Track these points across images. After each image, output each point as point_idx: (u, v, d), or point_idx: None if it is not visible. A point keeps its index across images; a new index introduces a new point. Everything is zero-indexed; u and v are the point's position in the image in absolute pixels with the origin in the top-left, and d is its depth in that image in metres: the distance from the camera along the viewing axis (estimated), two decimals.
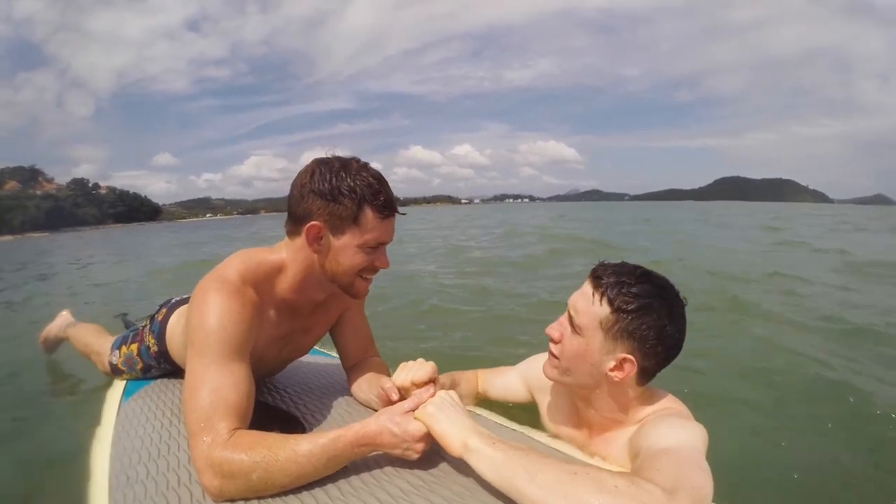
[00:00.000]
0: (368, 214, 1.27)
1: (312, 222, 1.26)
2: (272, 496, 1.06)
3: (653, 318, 1.15)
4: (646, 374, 1.23)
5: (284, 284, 1.37)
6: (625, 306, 1.15)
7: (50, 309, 3.94)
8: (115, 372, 1.99)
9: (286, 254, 1.36)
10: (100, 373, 2.16)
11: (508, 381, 1.70)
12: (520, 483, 0.95)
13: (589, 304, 1.19)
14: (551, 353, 1.29)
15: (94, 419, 1.60)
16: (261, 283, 1.31)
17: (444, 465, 1.20)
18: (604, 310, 1.17)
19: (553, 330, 1.28)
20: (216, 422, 1.07)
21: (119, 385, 1.88)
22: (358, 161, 1.30)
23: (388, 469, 1.19)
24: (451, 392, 1.25)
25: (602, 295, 1.17)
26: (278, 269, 1.36)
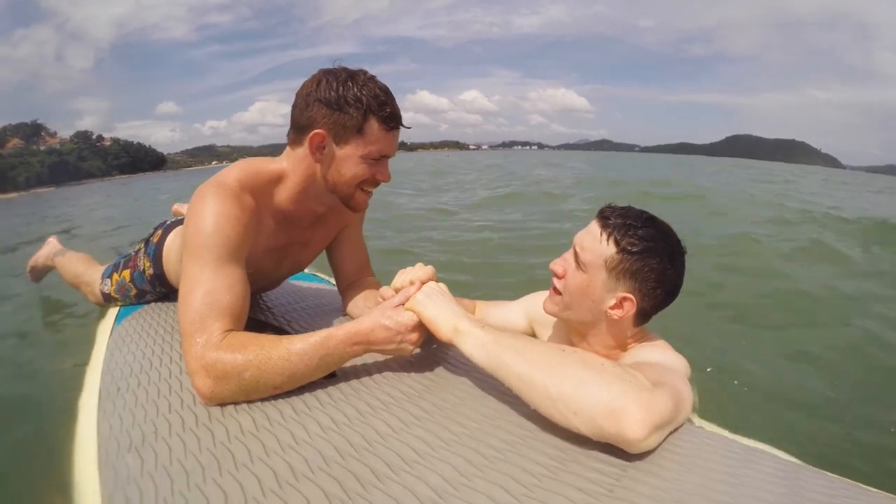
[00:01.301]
0: (374, 125, 1.26)
1: (316, 130, 1.25)
2: (263, 399, 1.07)
3: (655, 260, 1.18)
4: (643, 315, 1.25)
5: (284, 194, 1.36)
6: (630, 247, 1.18)
7: None
8: (108, 300, 1.99)
9: (287, 163, 1.35)
10: (91, 304, 2.17)
11: (509, 313, 1.72)
12: (508, 359, 0.99)
13: (595, 243, 1.21)
14: (554, 288, 1.32)
15: (87, 344, 1.62)
16: (259, 191, 1.30)
17: (430, 377, 1.23)
18: (609, 249, 1.19)
19: (557, 265, 1.30)
20: (210, 323, 1.07)
21: (112, 312, 1.89)
22: (365, 73, 1.28)
23: (377, 377, 1.21)
24: (440, 283, 1.28)
25: (609, 235, 1.20)
26: (278, 178, 1.35)
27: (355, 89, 1.23)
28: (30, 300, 3.26)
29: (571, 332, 1.40)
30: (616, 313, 1.22)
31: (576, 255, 1.26)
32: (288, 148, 1.35)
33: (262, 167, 1.33)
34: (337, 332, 1.13)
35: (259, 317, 1.65)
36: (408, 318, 1.17)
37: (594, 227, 1.24)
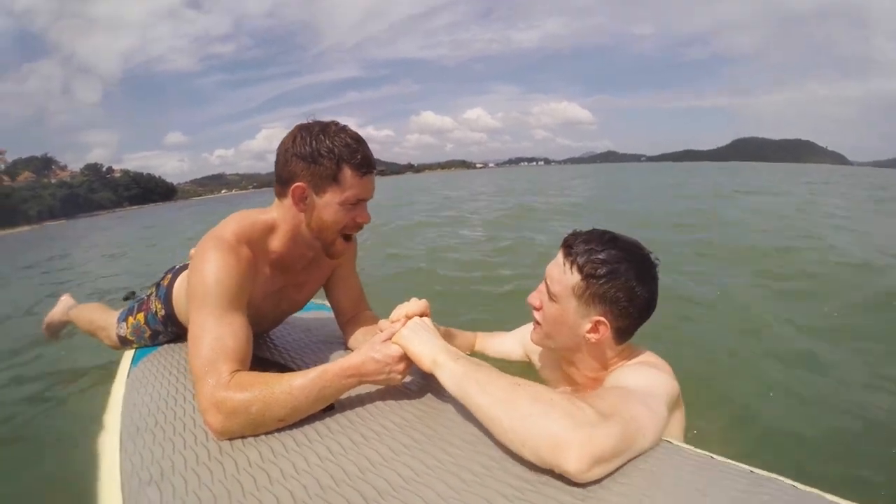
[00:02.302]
0: (347, 172, 1.38)
1: (297, 183, 1.38)
2: (268, 433, 1.18)
3: (621, 280, 1.24)
4: (622, 334, 1.33)
5: (277, 242, 1.49)
6: (593, 272, 1.25)
7: None
8: (124, 343, 2.10)
9: (277, 213, 1.47)
10: (107, 348, 2.27)
11: (505, 343, 1.88)
12: (472, 391, 1.09)
13: (561, 273, 1.30)
14: (535, 320, 1.42)
15: (106, 387, 1.72)
16: (255, 241, 1.42)
17: (420, 407, 1.32)
18: (574, 277, 1.28)
19: (534, 298, 1.40)
20: (219, 365, 1.18)
21: (128, 355, 1.99)
22: (336, 124, 1.41)
23: (371, 408, 1.32)
24: (425, 318, 1.40)
25: (572, 263, 1.28)
26: (270, 228, 1.47)
27: (327, 141, 1.35)
28: (48, 349, 3.32)
29: (560, 360, 1.50)
30: (593, 337, 1.30)
31: (547, 286, 1.35)
32: (276, 199, 1.47)
33: (256, 219, 1.45)
34: (332, 367, 1.23)
35: (266, 355, 1.75)
36: (395, 351, 1.29)
37: (559, 256, 1.33)
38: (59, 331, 3.08)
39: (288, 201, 1.42)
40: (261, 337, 1.88)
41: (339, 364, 1.25)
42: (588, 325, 1.30)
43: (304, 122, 1.42)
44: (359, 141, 1.40)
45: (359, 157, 1.38)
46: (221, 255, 1.30)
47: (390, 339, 1.33)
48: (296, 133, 1.39)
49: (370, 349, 1.30)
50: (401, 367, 1.30)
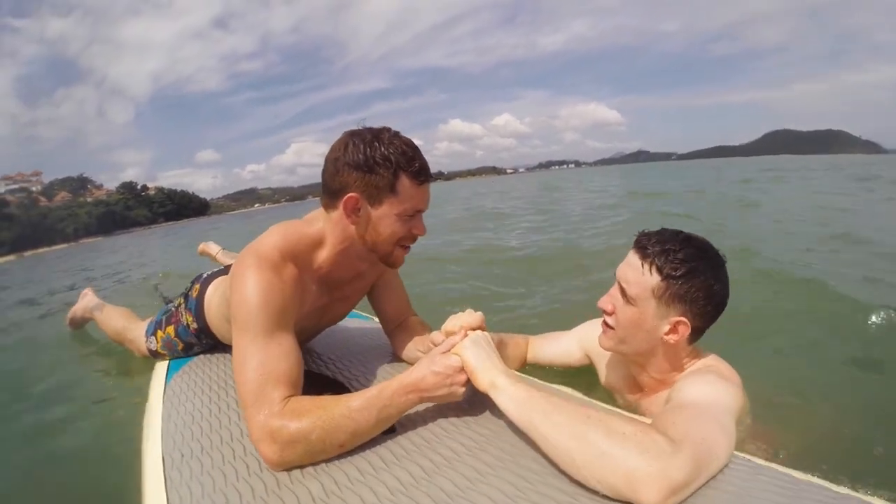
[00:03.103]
0: (405, 182, 1.27)
1: (350, 194, 1.26)
2: (328, 461, 1.08)
3: (700, 279, 1.22)
4: (697, 333, 1.29)
5: (324, 257, 1.37)
6: (674, 272, 1.21)
7: None
8: (156, 356, 2.03)
9: (324, 226, 1.35)
10: (137, 357, 2.21)
11: (565, 346, 1.75)
12: (536, 420, 1.01)
13: (639, 275, 1.25)
14: (606, 325, 1.35)
15: (142, 400, 1.65)
16: (300, 257, 1.32)
17: (488, 426, 1.21)
18: (654, 278, 1.23)
19: (605, 303, 1.34)
20: (269, 392, 1.09)
21: (162, 366, 1.92)
22: (389, 130, 1.30)
23: (436, 429, 1.21)
24: (486, 333, 1.29)
25: (651, 264, 1.23)
26: (318, 242, 1.36)
27: (382, 148, 1.24)
28: (74, 353, 3.27)
29: (630, 364, 1.43)
30: (672, 338, 1.26)
31: (622, 289, 1.29)
32: (322, 211, 1.36)
33: (302, 232, 1.34)
34: (391, 384, 1.15)
35: (311, 366, 1.66)
36: (455, 362, 1.18)
37: (634, 258, 1.27)
38: (83, 324, 3.08)
39: (338, 213, 1.30)
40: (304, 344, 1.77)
41: (398, 380, 1.16)
42: (667, 327, 1.25)
43: (354, 128, 1.31)
44: (414, 148, 1.29)
45: (416, 164, 1.27)
46: (264, 275, 1.21)
47: (449, 351, 1.23)
48: (347, 140, 1.27)
49: (430, 363, 1.19)
50: (462, 377, 1.19)
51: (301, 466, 1.06)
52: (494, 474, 1.01)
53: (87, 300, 2.94)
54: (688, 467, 0.90)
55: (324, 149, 1.34)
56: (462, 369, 1.19)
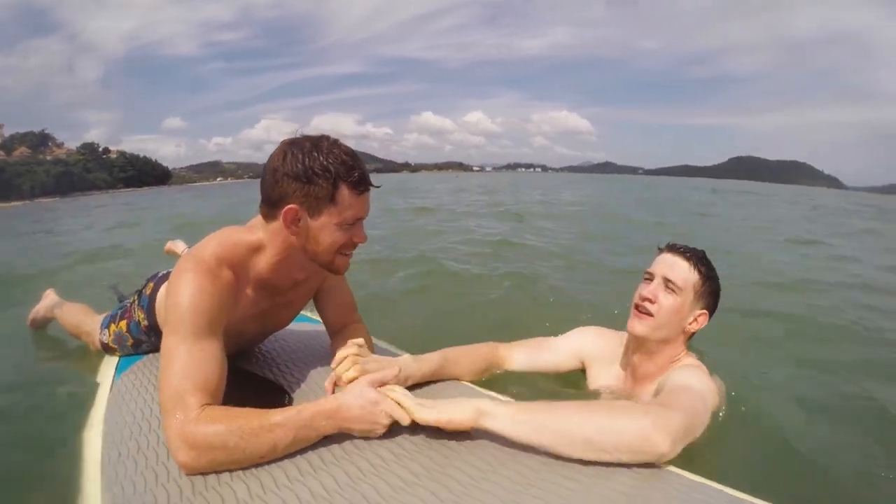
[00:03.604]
0: (344, 192, 1.29)
1: (289, 206, 1.27)
2: (243, 469, 1.10)
3: (717, 284, 1.67)
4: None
5: (263, 264, 1.39)
6: (709, 274, 1.64)
7: None
8: (107, 350, 2.04)
9: (264, 235, 1.37)
10: (93, 352, 2.20)
11: (558, 354, 1.92)
12: (547, 423, 1.14)
13: (685, 271, 1.61)
14: (645, 313, 1.62)
15: (88, 397, 1.66)
16: (237, 263, 1.34)
17: (419, 436, 1.24)
18: (695, 276, 1.61)
19: (650, 293, 1.62)
20: (187, 398, 1.10)
21: (111, 362, 1.94)
22: (328, 138, 1.31)
23: (359, 442, 1.22)
24: (398, 388, 1.32)
25: (694, 265, 1.62)
26: (256, 249, 1.37)
27: (321, 158, 1.25)
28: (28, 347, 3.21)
29: (639, 352, 1.70)
30: (693, 326, 1.65)
31: (667, 282, 1.61)
32: (261, 219, 1.37)
33: (240, 239, 1.36)
34: (312, 406, 1.17)
35: (254, 368, 1.68)
36: (380, 401, 1.22)
37: (678, 259, 1.63)
38: (45, 324, 2.99)
39: (277, 224, 1.31)
40: (245, 350, 1.80)
41: (319, 404, 1.19)
42: (692, 318, 1.64)
43: (292, 137, 1.32)
44: (354, 157, 1.30)
45: (356, 174, 1.29)
46: (198, 279, 1.22)
47: (382, 385, 1.29)
48: (285, 150, 1.28)
49: (358, 395, 1.22)
50: (386, 420, 1.22)
51: (216, 472, 1.08)
52: (420, 484, 1.05)
53: (48, 300, 2.88)
54: (685, 423, 1.16)
55: (293, 127, 1.35)
56: (387, 414, 1.21)
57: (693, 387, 1.37)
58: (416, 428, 1.26)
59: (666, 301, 1.60)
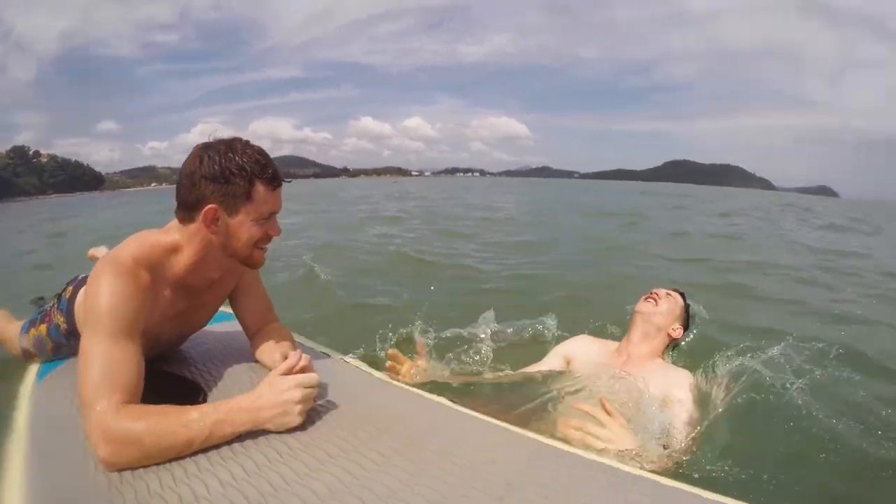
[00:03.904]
0: (259, 189, 1.37)
1: (208, 206, 1.34)
2: (161, 463, 1.14)
3: (689, 313, 2.47)
4: (675, 345, 2.37)
5: (180, 265, 1.44)
6: (687, 304, 2.46)
7: None
8: (27, 356, 2.02)
9: (180, 236, 1.42)
10: (14, 358, 2.16)
11: (548, 361, 2.38)
12: None
13: (675, 298, 2.39)
14: (655, 301, 2.32)
15: (8, 404, 1.65)
16: (155, 265, 1.38)
17: (316, 430, 1.31)
18: (682, 301, 2.42)
19: (658, 292, 2.37)
20: (107, 395, 1.14)
21: (32, 368, 1.93)
22: (241, 140, 1.39)
23: (270, 434, 1.27)
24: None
25: (680, 295, 2.44)
26: (172, 251, 1.42)
27: (237, 158, 1.32)
28: None
29: (639, 332, 2.27)
30: (675, 332, 2.30)
31: (667, 293, 2.37)
32: (177, 223, 1.42)
33: (157, 241, 1.40)
34: (228, 403, 1.23)
35: (173, 368, 1.70)
36: (293, 391, 1.27)
37: (673, 293, 2.40)
38: None
39: (196, 225, 1.38)
40: (164, 352, 1.81)
41: (236, 400, 1.25)
42: (676, 325, 2.32)
43: (205, 141, 1.39)
44: (266, 156, 1.39)
45: (269, 171, 1.37)
46: (117, 280, 1.26)
47: (290, 371, 1.33)
48: (201, 154, 1.34)
49: (269, 387, 1.28)
50: (298, 408, 1.27)
51: (134, 468, 1.11)
52: (324, 469, 1.12)
53: None
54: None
55: (231, 132, 1.40)
56: (300, 400, 1.26)
57: (685, 400, 1.89)
58: (323, 418, 1.35)
59: (667, 302, 2.32)
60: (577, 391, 1.92)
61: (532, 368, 2.32)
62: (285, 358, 1.42)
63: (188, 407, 1.20)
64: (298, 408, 1.27)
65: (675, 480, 1.13)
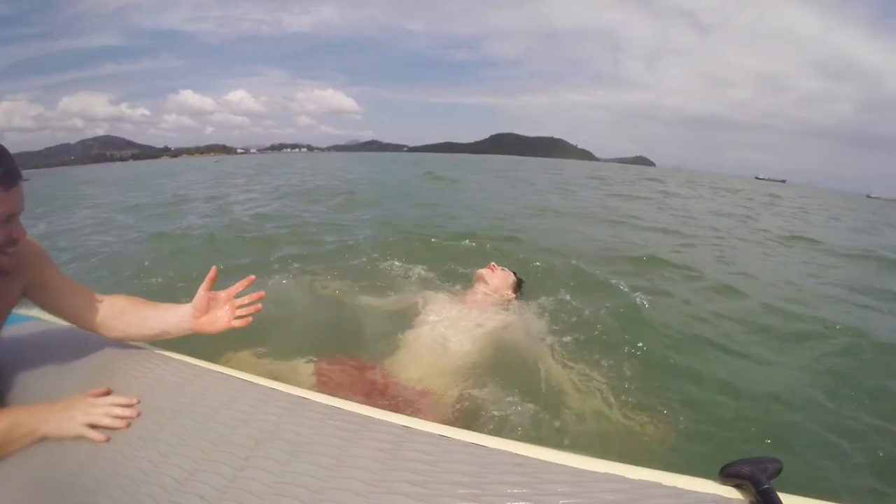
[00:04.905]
0: None
1: None
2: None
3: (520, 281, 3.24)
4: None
5: None
6: (518, 276, 3.22)
7: None
8: None
9: None
10: None
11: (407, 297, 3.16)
12: None
13: (507, 273, 3.14)
14: (491, 270, 3.09)
15: None
16: None
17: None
18: (512, 276, 3.14)
19: (494, 268, 3.11)
20: None
21: None
22: None
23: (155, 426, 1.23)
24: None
25: (510, 272, 3.16)
26: None
27: None
28: None
29: (481, 294, 2.96)
30: (508, 296, 3.01)
31: (501, 265, 3.16)
32: None
33: None
34: (26, 408, 1.21)
35: None
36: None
37: (506, 270, 3.15)
38: None
39: None
40: None
41: (35, 406, 1.22)
42: (505, 293, 3.03)
43: None
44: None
45: (2, 170, 1.16)
46: None
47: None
48: None
49: (77, 399, 1.25)
50: (118, 411, 1.23)
51: None
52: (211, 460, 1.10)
53: None
54: None
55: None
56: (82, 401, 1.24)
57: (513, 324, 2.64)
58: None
59: (499, 275, 3.06)
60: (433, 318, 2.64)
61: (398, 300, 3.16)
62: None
63: None
64: (80, 405, 1.24)
65: (415, 419, 1.17)
